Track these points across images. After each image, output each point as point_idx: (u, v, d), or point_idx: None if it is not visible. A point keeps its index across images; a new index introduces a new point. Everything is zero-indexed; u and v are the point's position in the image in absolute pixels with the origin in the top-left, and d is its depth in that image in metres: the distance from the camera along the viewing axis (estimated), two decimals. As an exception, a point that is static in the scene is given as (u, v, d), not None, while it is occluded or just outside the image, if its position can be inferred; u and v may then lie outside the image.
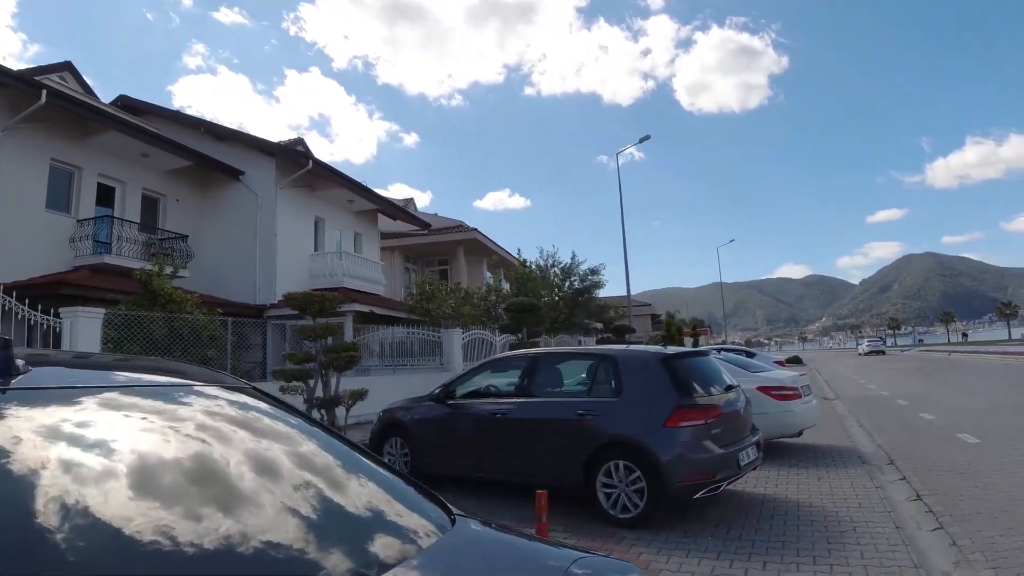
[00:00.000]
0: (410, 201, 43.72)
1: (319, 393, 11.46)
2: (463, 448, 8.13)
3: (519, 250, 31.43)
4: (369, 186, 26.23)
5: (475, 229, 35.86)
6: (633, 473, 6.46)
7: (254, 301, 20.69)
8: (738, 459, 6.63)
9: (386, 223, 32.33)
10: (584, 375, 7.47)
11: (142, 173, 19.74)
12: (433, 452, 8.40)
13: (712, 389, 7.04)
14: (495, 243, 35.60)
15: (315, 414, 10.87)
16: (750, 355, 22.09)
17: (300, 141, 29.22)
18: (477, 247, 34.98)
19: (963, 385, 21.20)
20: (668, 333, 36.32)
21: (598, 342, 32.35)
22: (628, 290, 30.96)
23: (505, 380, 8.14)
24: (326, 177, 23.52)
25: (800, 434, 10.49)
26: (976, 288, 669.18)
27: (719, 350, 21.40)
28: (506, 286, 26.06)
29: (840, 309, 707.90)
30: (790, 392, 9.99)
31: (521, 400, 7.65)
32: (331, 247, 24.47)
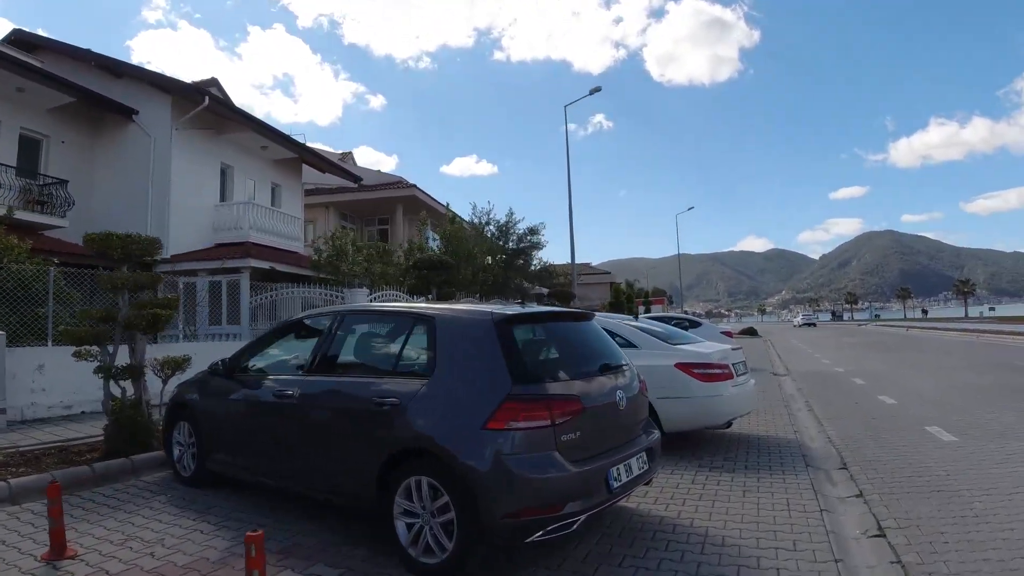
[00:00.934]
0: (348, 155, 41.03)
1: (130, 361, 8.93)
2: (248, 443, 5.77)
3: (463, 209, 28.85)
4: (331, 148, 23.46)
5: (414, 185, 33.44)
6: (440, 497, 4.11)
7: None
8: (608, 478, 4.26)
9: (322, 178, 29.83)
10: (394, 345, 4.99)
11: (18, 111, 17.32)
12: (221, 446, 6.06)
13: (575, 370, 4.64)
14: (437, 201, 33.05)
15: (114, 387, 8.50)
16: (694, 324, 19.99)
17: (214, 81, 26.18)
18: (417, 205, 32.52)
19: (925, 364, 19.22)
20: (616, 300, 34.19)
21: (538, 308, 30.11)
22: (572, 253, 28.70)
23: (307, 348, 5.67)
24: (230, 118, 20.89)
25: (729, 425, 8.20)
26: (933, 266, 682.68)
27: (652, 317, 19.34)
28: (437, 245, 23.56)
29: (800, 283, 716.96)
30: (717, 371, 7.61)
31: (312, 378, 5.24)
32: (242, 198, 21.75)
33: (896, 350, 26.85)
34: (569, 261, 28.66)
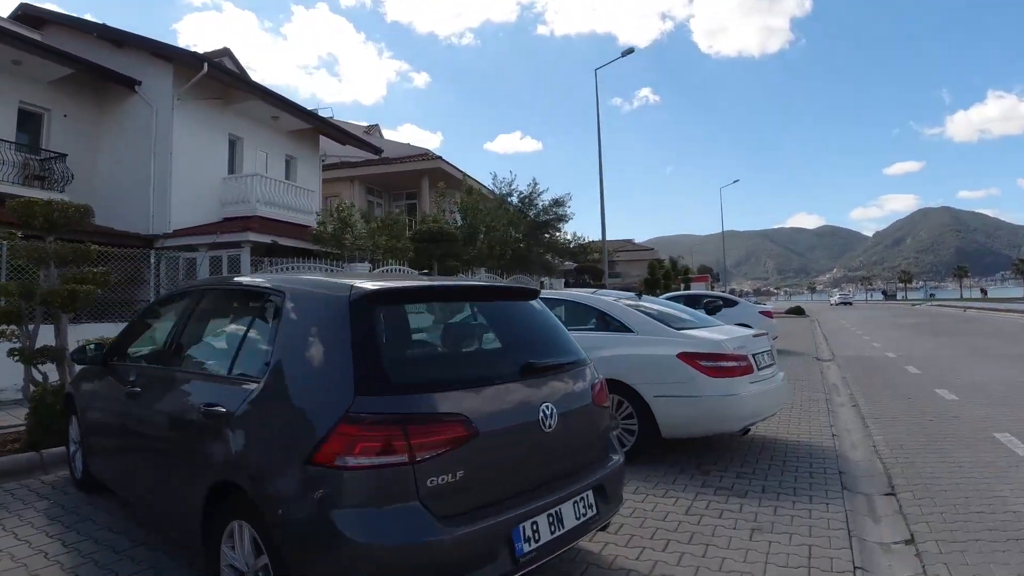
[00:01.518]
0: (374, 128, 39.92)
1: (52, 342, 7.79)
2: (112, 448, 4.62)
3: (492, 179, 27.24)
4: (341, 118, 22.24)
5: (439, 157, 32.17)
6: (261, 555, 2.78)
7: (148, 230, 17.76)
8: (513, 540, 2.80)
9: (348, 151, 28.82)
10: (238, 332, 3.59)
11: (18, 84, 16.67)
12: (95, 447, 5.05)
13: (470, 373, 3.20)
14: (465, 173, 31.65)
15: (34, 372, 7.48)
16: (730, 303, 18.40)
17: (226, 51, 25.04)
18: (444, 177, 31.23)
19: (987, 351, 17.23)
20: (652, 277, 32.36)
21: (566, 285, 28.53)
22: (603, 227, 26.97)
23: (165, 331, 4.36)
24: (235, 86, 19.84)
25: (747, 432, 6.62)
26: (990, 245, 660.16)
27: (673, 297, 17.70)
28: (456, 217, 22.16)
29: (852, 261, 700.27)
30: (731, 363, 6.04)
31: (162, 371, 3.99)
32: (252, 171, 20.72)
33: (953, 334, 24.71)
34: (613, 237, 27.16)
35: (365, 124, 38.68)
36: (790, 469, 6.01)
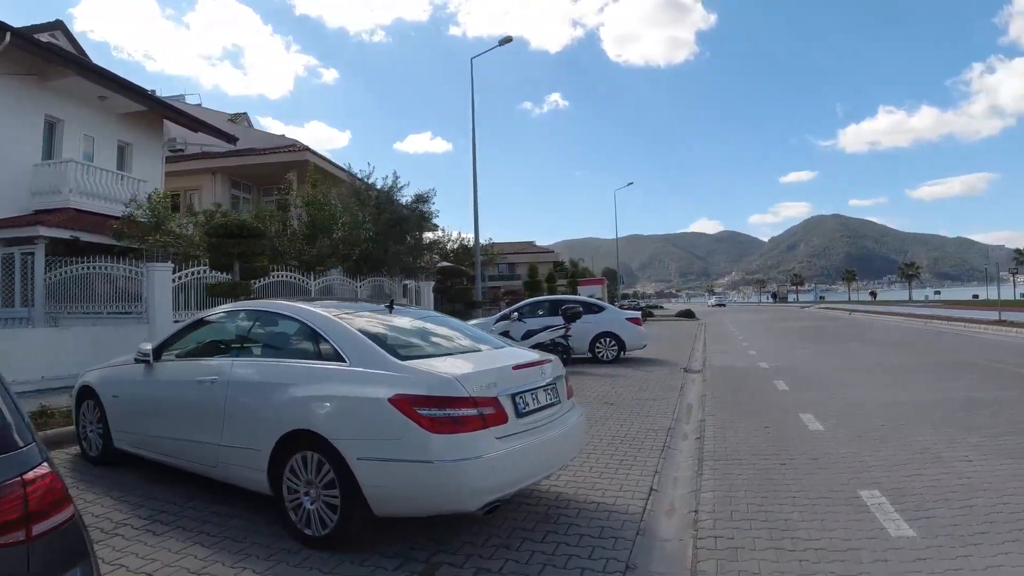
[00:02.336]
0: (241, 116, 36.79)
1: None
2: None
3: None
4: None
5: (307, 148, 29.56)
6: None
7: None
8: None
9: (212, 141, 25.96)
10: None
11: None
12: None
13: None
14: (338, 165, 29.01)
15: None
16: (592, 309, 16.71)
17: (59, 24, 21.83)
18: (315, 170, 28.58)
19: (868, 360, 16.00)
20: (533, 279, 30.51)
21: (436, 290, 26.40)
22: (476, 224, 25.06)
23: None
24: (49, 60, 16.79)
25: (492, 510, 4.42)
26: (878, 250, 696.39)
27: (540, 303, 15.90)
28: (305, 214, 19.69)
29: (750, 264, 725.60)
30: (466, 412, 3.85)
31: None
32: (74, 157, 17.85)
33: (836, 339, 23.85)
34: (518, 239, 25.22)
35: (232, 114, 35.51)
36: (558, 561, 4.03)
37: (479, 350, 5.06)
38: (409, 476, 3.91)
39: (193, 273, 13.78)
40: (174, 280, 13.36)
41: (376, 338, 4.58)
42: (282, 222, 18.62)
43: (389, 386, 4.05)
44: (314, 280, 17.11)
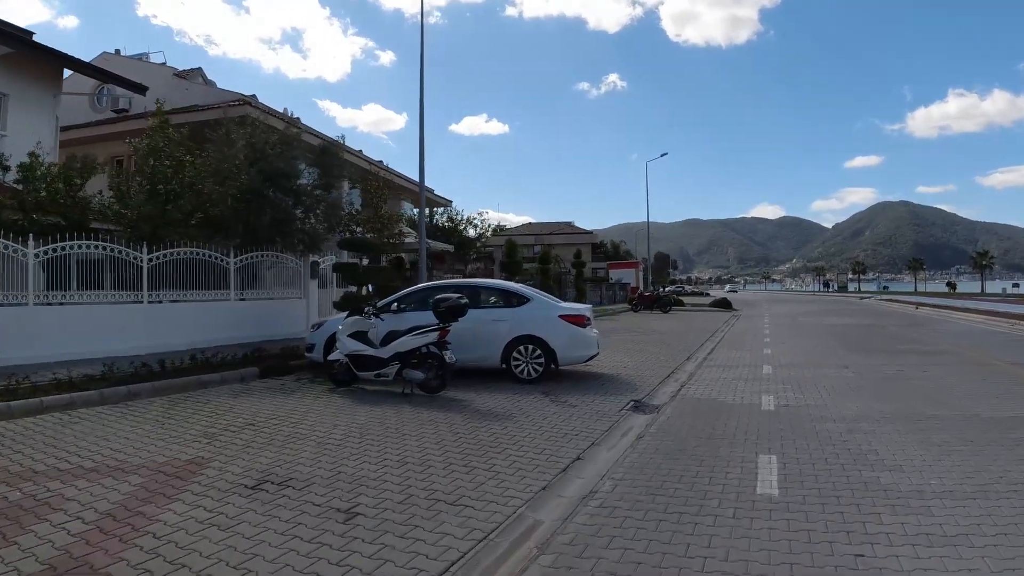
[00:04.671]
0: (195, 71, 31.51)
1: None
2: None
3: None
4: None
5: (250, 102, 24.03)
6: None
7: None
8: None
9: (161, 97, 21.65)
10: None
11: None
12: None
13: None
14: (290, 120, 23.44)
15: None
16: (513, 300, 10.86)
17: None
18: (265, 129, 23.37)
19: (956, 391, 9.88)
20: (511, 260, 24.52)
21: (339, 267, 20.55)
22: (422, 179, 19.19)
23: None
24: None
25: None
26: (946, 240, 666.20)
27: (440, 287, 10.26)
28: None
29: (811, 252, 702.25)
30: None
31: None
32: None
33: (892, 349, 17.32)
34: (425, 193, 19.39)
35: (185, 69, 30.12)
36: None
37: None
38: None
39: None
40: None
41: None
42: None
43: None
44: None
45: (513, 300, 11.11)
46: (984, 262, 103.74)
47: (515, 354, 10.71)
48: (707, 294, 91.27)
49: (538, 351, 10.62)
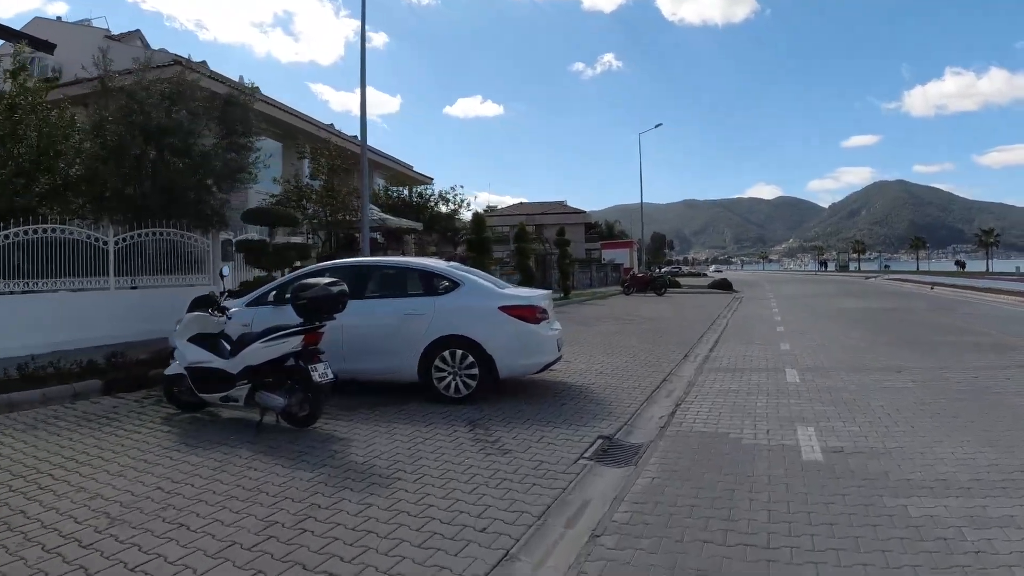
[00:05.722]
0: (133, 33, 28.57)
1: None
2: None
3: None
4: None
5: (180, 62, 20.50)
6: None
7: None
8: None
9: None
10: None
11: None
12: None
13: None
14: (235, 84, 20.10)
15: None
16: (439, 287, 7.58)
17: None
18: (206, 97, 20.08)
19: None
20: (479, 237, 21.24)
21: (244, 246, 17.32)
22: (363, 133, 15.99)
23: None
24: None
25: None
26: (943, 219, 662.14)
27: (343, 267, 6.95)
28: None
29: (808, 231, 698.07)
30: None
31: None
32: None
33: (944, 340, 14.14)
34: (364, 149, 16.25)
35: (118, 33, 26.83)
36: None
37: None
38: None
39: None
40: None
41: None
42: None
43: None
44: None
45: (436, 286, 7.80)
46: (990, 240, 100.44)
47: (437, 363, 7.44)
48: (705, 274, 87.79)
49: (470, 358, 7.37)
